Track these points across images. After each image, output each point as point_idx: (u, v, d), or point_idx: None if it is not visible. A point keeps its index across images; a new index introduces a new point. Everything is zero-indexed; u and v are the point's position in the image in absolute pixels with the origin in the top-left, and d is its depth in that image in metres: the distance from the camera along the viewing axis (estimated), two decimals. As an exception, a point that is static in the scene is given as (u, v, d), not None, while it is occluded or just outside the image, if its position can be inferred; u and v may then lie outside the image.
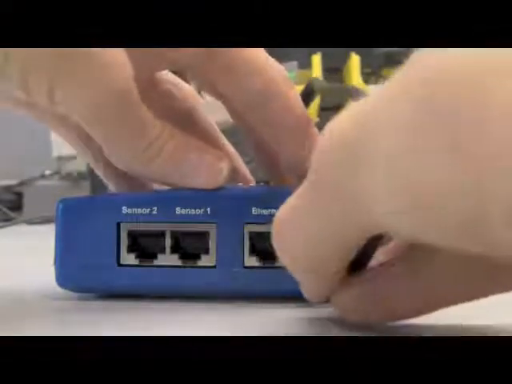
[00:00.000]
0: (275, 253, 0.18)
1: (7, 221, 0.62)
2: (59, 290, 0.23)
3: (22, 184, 0.73)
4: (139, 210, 0.23)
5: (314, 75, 0.65)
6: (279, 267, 0.22)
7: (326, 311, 0.22)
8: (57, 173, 0.74)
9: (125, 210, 0.23)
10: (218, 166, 0.23)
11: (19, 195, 0.72)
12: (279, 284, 0.23)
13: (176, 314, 0.22)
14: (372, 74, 0.71)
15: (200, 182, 0.23)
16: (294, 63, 0.68)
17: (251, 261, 0.23)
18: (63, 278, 0.23)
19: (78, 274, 0.23)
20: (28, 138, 0.79)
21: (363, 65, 0.67)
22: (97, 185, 0.68)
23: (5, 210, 0.66)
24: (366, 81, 0.68)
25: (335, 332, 0.19)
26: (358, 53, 0.67)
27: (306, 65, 0.67)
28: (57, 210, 0.23)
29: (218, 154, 0.23)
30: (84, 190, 0.70)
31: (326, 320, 0.21)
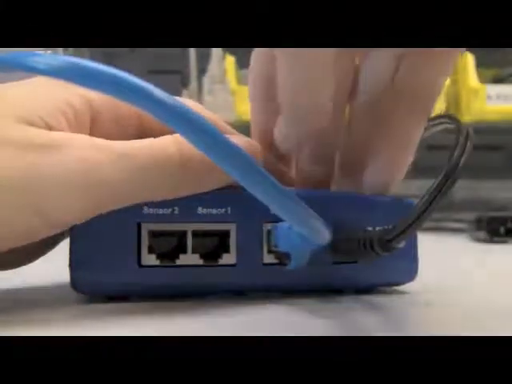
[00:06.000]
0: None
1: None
2: (61, 289, 0.23)
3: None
4: (161, 210, 0.22)
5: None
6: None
7: (328, 312, 0.22)
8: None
9: (146, 209, 0.22)
10: None
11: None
12: (296, 280, 0.23)
13: (183, 313, 0.21)
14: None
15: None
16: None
17: (269, 258, 0.23)
18: (80, 282, 0.22)
19: (95, 276, 0.22)
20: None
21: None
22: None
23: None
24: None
25: (337, 332, 0.19)
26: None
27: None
28: None
29: None
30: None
31: (328, 320, 0.21)
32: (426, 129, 0.25)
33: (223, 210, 0.23)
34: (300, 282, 0.24)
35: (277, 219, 0.22)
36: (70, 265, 0.22)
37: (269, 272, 0.23)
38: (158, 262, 0.22)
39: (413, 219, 0.19)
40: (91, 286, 0.22)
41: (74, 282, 0.22)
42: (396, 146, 0.24)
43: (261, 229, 0.23)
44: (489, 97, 0.66)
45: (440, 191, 0.19)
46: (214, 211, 0.23)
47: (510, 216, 0.49)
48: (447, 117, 0.24)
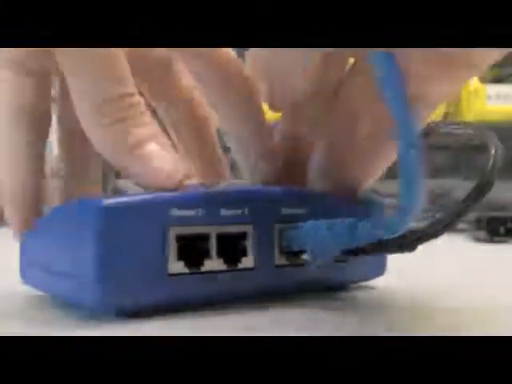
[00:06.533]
0: (299, 250, 0.22)
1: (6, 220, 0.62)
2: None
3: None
4: (187, 211, 0.20)
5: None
6: (302, 264, 0.23)
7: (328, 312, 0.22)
8: (57, 173, 0.73)
9: (174, 211, 0.20)
10: (174, 174, 0.21)
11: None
12: (305, 279, 0.23)
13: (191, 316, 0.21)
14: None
15: (145, 179, 0.21)
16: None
17: (281, 259, 0.23)
18: (105, 299, 0.19)
19: (122, 291, 0.19)
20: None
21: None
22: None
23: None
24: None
25: (338, 332, 0.19)
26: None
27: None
28: (87, 213, 0.19)
29: (177, 159, 0.22)
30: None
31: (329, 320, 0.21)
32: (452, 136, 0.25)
33: (241, 210, 0.22)
34: (306, 280, 0.24)
35: (288, 219, 0.22)
36: (88, 281, 0.19)
37: (280, 274, 0.23)
38: (185, 270, 0.21)
39: (446, 222, 0.20)
40: (120, 303, 0.20)
41: (100, 301, 0.19)
42: (378, 154, 0.24)
43: (273, 229, 0.22)
44: (489, 97, 0.66)
45: (470, 203, 0.20)
46: (235, 212, 0.21)
47: (510, 216, 0.49)
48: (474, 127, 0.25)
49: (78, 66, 0.21)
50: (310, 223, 0.22)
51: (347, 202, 0.25)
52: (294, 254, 0.23)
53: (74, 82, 0.21)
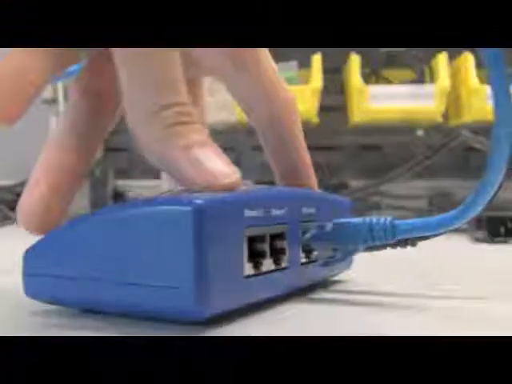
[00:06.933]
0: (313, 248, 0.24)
1: (7, 220, 0.62)
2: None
3: (22, 184, 0.73)
4: (255, 212, 0.20)
5: (314, 75, 0.65)
6: (314, 260, 0.24)
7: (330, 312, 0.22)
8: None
9: (247, 212, 0.20)
10: (228, 177, 0.21)
11: (19, 195, 0.72)
12: (315, 276, 0.25)
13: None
14: (372, 73, 0.71)
15: (194, 180, 0.20)
16: (294, 63, 0.68)
17: (303, 258, 0.24)
18: (200, 306, 0.18)
19: (213, 296, 0.18)
20: (28, 138, 0.79)
21: (363, 65, 0.67)
22: (96, 185, 0.69)
23: (4, 209, 0.66)
24: (366, 81, 0.68)
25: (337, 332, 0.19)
26: (358, 53, 0.67)
27: (306, 65, 0.67)
28: (180, 214, 0.18)
29: (229, 162, 0.21)
30: (83, 190, 0.70)
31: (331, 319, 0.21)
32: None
33: (283, 210, 0.22)
34: (311, 279, 0.25)
35: (305, 219, 0.23)
36: (195, 286, 0.18)
37: (302, 272, 0.23)
38: (253, 271, 0.20)
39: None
40: (216, 309, 0.19)
41: (200, 309, 0.18)
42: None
43: (299, 229, 0.23)
44: (489, 97, 0.66)
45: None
46: (280, 213, 0.22)
47: (510, 216, 0.48)
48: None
49: (135, 71, 0.21)
50: (342, 222, 0.23)
51: (344, 201, 0.27)
52: (309, 252, 0.24)
53: (130, 87, 0.21)
